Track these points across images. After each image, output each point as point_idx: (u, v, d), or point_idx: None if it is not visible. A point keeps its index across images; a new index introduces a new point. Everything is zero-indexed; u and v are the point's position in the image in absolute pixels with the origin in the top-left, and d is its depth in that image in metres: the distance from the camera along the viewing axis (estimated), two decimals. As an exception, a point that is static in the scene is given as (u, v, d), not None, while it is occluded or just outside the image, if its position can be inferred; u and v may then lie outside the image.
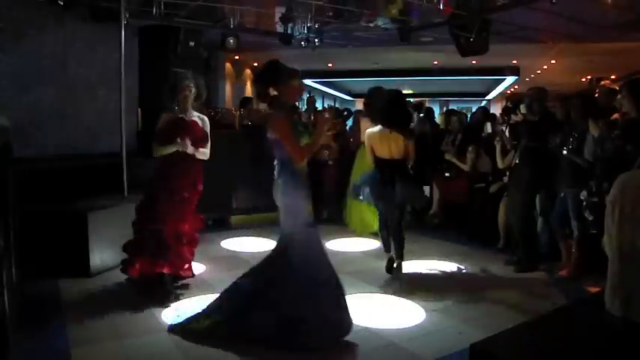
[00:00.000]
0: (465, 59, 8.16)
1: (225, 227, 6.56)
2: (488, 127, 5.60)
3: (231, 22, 7.42)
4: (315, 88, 17.23)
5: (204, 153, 4.12)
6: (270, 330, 3.11)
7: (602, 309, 2.26)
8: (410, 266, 4.87)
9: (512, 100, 5.69)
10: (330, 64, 12.98)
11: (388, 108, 4.43)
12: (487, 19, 6.81)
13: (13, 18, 5.46)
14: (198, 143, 4.06)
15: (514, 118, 4.98)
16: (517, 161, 4.93)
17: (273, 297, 3.17)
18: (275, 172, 3.34)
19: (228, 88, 12.48)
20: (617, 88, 4.42)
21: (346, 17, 7.18)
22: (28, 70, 5.64)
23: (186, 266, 4.18)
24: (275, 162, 3.33)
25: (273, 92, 3.27)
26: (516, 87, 16.59)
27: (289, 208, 3.28)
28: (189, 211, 4.15)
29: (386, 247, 4.67)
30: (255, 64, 13.02)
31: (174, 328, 3.40)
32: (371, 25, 7.05)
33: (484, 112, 7.93)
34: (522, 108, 4.91)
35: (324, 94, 18.87)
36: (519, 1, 6.13)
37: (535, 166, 4.65)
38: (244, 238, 6.04)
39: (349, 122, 8.54)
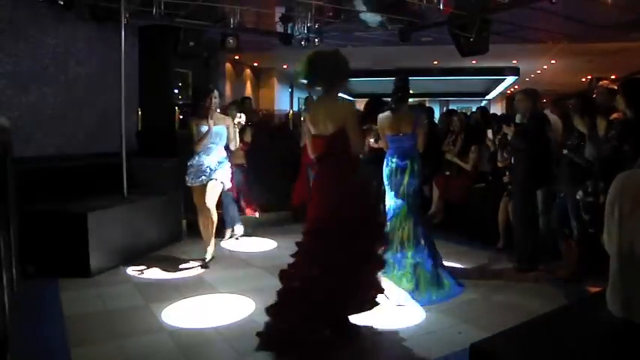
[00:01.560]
0: (465, 59, 8.17)
1: (225, 227, 6.55)
2: (490, 134, 5.63)
3: (231, 22, 7.41)
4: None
5: None
6: None
7: (602, 309, 2.25)
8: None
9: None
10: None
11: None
12: (487, 19, 6.80)
13: (13, 18, 5.46)
14: None
15: (506, 129, 4.99)
16: (512, 162, 4.95)
17: None
18: (399, 159, 4.33)
19: (228, 88, 12.49)
20: (616, 88, 4.43)
21: (344, 17, 7.18)
22: (28, 70, 5.63)
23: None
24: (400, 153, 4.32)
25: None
26: (516, 87, 16.59)
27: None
28: None
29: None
30: (255, 64, 13.03)
31: None
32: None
33: (483, 112, 7.94)
34: (518, 118, 4.98)
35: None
36: (519, 1, 6.12)
37: (529, 167, 4.66)
38: (244, 238, 6.04)
39: None
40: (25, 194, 4.25)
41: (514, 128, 4.82)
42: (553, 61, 11.96)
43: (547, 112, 5.13)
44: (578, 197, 4.05)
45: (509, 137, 4.96)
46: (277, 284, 4.43)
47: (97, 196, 5.25)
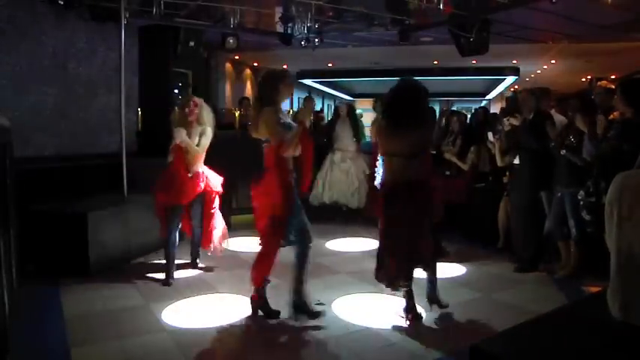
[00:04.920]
0: (465, 59, 8.17)
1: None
2: (490, 137, 5.61)
3: (231, 22, 7.41)
4: (316, 88, 17.21)
5: None
6: None
7: (603, 309, 2.25)
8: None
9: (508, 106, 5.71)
10: (330, 64, 12.98)
11: None
12: (487, 19, 6.80)
13: (13, 18, 5.46)
14: None
15: (513, 121, 4.92)
16: (516, 162, 4.93)
17: None
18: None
19: (228, 88, 12.50)
20: (614, 87, 4.42)
21: (345, 17, 7.18)
22: (28, 70, 5.63)
23: None
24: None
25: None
26: (516, 87, 16.59)
27: None
28: None
29: None
30: (255, 64, 13.04)
31: None
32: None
33: (484, 113, 7.93)
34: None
35: (324, 94, 18.87)
36: (519, 1, 6.12)
37: (535, 167, 4.65)
38: (244, 238, 6.03)
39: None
40: (25, 194, 4.27)
41: (517, 122, 4.78)
42: (553, 61, 11.96)
43: (553, 112, 5.11)
44: (579, 197, 4.04)
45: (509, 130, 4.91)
46: (277, 283, 4.45)
47: (97, 196, 5.25)
